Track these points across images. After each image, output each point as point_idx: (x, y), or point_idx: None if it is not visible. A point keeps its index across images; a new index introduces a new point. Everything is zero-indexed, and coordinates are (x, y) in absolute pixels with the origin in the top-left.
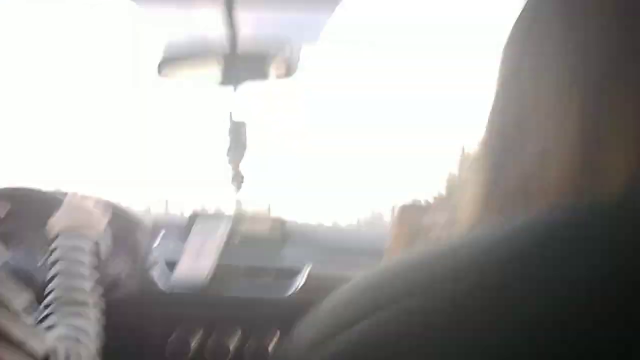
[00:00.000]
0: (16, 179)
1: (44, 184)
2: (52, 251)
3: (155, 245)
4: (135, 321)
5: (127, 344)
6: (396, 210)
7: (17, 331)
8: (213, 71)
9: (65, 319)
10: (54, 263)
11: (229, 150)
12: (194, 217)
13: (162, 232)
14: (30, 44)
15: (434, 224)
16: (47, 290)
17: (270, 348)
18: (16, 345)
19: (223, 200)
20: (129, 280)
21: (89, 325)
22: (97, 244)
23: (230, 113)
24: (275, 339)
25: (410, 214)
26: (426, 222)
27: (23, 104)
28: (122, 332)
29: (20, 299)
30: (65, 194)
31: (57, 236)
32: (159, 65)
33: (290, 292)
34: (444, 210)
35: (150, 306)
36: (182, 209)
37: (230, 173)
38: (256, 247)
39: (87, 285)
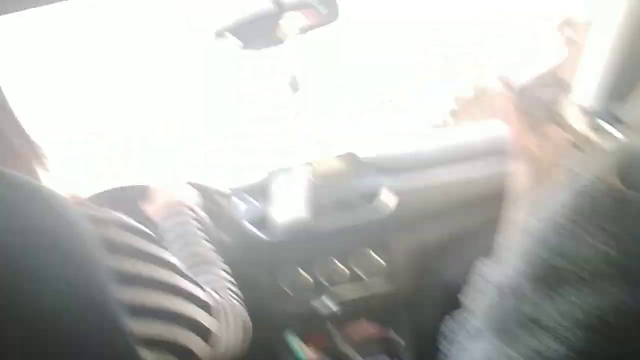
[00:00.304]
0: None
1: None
2: (165, 232)
3: (241, 205)
4: (247, 272)
5: (246, 293)
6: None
7: (187, 284)
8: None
9: (207, 276)
10: (172, 242)
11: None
12: (271, 175)
13: (245, 195)
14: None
15: None
16: (178, 253)
17: (379, 261)
18: (189, 297)
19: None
20: (230, 240)
21: (228, 276)
22: (197, 216)
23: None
24: (380, 251)
25: None
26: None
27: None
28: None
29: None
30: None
31: (166, 217)
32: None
33: (380, 205)
34: None
35: (257, 256)
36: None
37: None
38: (337, 180)
39: (210, 246)
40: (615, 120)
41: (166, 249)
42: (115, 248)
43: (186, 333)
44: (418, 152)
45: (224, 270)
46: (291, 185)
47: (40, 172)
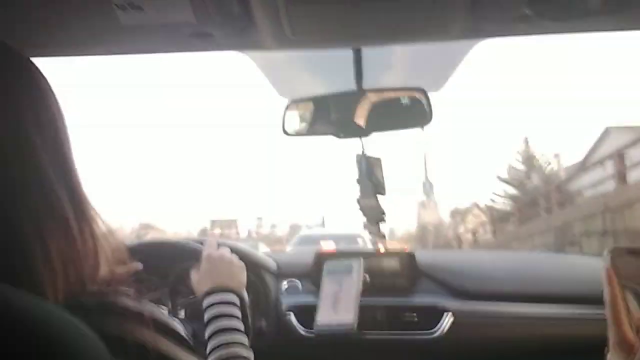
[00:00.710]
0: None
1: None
2: (207, 308)
3: (284, 288)
4: None
5: None
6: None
7: None
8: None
9: None
10: (210, 320)
11: (364, 184)
12: (320, 258)
13: (290, 275)
14: None
15: None
16: (209, 348)
17: None
18: None
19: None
20: (270, 328)
21: None
22: (242, 296)
23: (364, 150)
24: None
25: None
26: None
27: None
28: None
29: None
30: (199, 243)
31: (207, 293)
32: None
33: (436, 331)
34: None
35: (294, 352)
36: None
37: (373, 209)
38: (390, 284)
39: (245, 339)
40: None
41: (191, 353)
42: (141, 351)
43: None
44: (490, 271)
45: None
46: (344, 282)
47: None
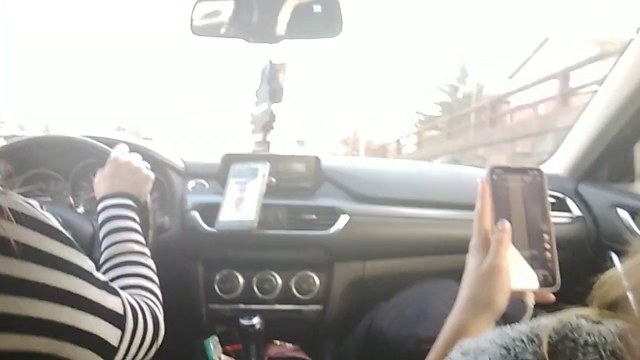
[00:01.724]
0: None
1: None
2: (101, 211)
3: (191, 187)
4: (182, 262)
5: (176, 283)
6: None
7: (93, 291)
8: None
9: (128, 268)
10: (105, 221)
11: (263, 91)
12: (228, 159)
13: (198, 175)
14: None
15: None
16: (103, 246)
17: (316, 283)
18: (91, 308)
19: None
20: (172, 225)
21: (151, 272)
22: (139, 202)
23: (270, 57)
24: (320, 274)
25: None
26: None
27: None
28: (171, 273)
29: (87, 259)
30: (109, 142)
31: (104, 197)
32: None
33: (333, 229)
34: None
35: (196, 247)
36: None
37: (265, 113)
38: (294, 186)
39: (139, 236)
40: None
41: (71, 246)
42: (4, 248)
43: (84, 351)
44: (388, 178)
45: (148, 266)
46: (248, 184)
47: None
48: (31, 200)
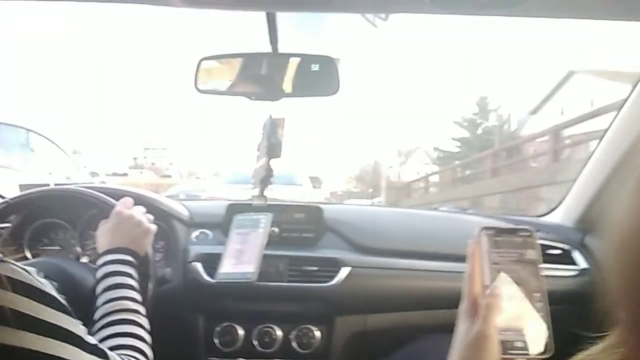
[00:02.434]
0: None
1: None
2: (101, 266)
3: (195, 237)
4: (182, 314)
5: (176, 335)
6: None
7: (84, 357)
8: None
9: (121, 327)
10: (103, 277)
11: (263, 146)
12: (232, 210)
13: (202, 225)
14: None
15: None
16: (100, 302)
17: (317, 336)
18: None
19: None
20: (174, 276)
21: (143, 331)
22: (139, 257)
23: (270, 112)
24: (321, 328)
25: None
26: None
27: None
28: (171, 325)
29: (78, 323)
30: (116, 193)
31: (104, 252)
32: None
33: (334, 281)
34: None
35: (197, 299)
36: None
37: (262, 168)
38: (296, 236)
39: (135, 293)
40: None
41: (64, 312)
42: (2, 317)
43: None
44: (390, 229)
45: (141, 325)
46: (250, 236)
47: None
48: (29, 268)
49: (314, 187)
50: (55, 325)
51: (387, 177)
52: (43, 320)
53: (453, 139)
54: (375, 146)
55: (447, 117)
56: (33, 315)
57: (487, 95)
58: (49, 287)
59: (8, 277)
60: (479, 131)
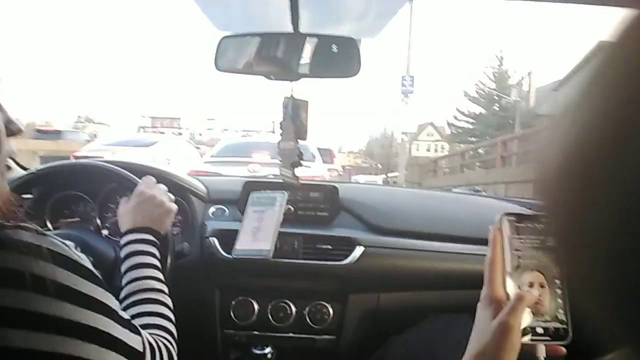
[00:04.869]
0: None
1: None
2: (124, 245)
3: (211, 213)
4: (199, 287)
5: (193, 308)
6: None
7: (116, 329)
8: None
9: (147, 307)
10: (127, 256)
11: (288, 127)
12: (248, 187)
13: (219, 201)
14: None
15: None
16: (124, 281)
17: (330, 313)
18: (115, 346)
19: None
20: (191, 250)
21: (168, 310)
22: (160, 237)
23: (292, 93)
24: (335, 305)
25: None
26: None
27: None
28: (189, 298)
29: (113, 298)
30: (138, 169)
31: (127, 231)
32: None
33: (348, 260)
34: None
35: (213, 273)
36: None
37: (291, 151)
38: (311, 215)
39: (159, 272)
40: None
41: (101, 286)
42: (39, 286)
43: None
44: (405, 210)
45: (166, 304)
46: (266, 213)
47: None
48: (67, 242)
49: (324, 161)
50: (92, 297)
51: (408, 152)
52: (81, 292)
53: (467, 114)
54: (384, 120)
55: (461, 91)
56: (72, 286)
57: (507, 69)
58: (86, 261)
59: (49, 250)
60: (496, 107)
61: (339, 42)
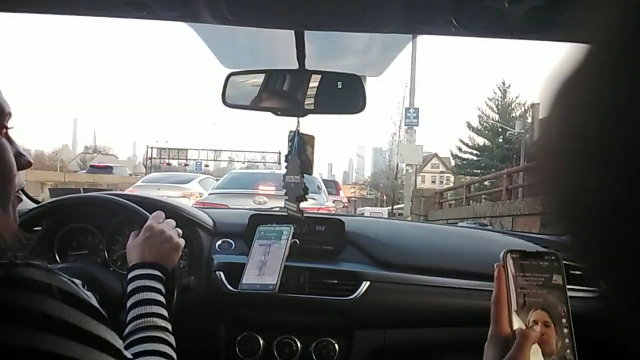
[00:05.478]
0: None
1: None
2: (131, 280)
3: (218, 246)
4: (205, 322)
5: (198, 344)
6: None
7: None
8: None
9: (150, 345)
10: (133, 291)
11: (293, 162)
12: (255, 220)
13: (225, 234)
14: None
15: None
16: (129, 317)
17: (336, 350)
18: None
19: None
20: (198, 284)
21: (170, 349)
22: (167, 273)
23: (298, 128)
24: (341, 341)
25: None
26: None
27: None
28: (194, 333)
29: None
30: (148, 203)
31: (135, 266)
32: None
33: (355, 295)
34: None
35: (219, 308)
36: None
37: (297, 185)
38: (317, 249)
39: (163, 311)
40: None
41: (107, 324)
42: (47, 325)
43: None
44: (411, 244)
45: (169, 343)
46: (272, 247)
47: None
48: (75, 280)
49: (330, 192)
50: (98, 335)
51: (413, 184)
52: (87, 331)
53: (471, 146)
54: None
55: (465, 123)
56: (78, 325)
57: (511, 100)
58: (93, 299)
59: (59, 288)
60: (500, 139)
61: (344, 79)
